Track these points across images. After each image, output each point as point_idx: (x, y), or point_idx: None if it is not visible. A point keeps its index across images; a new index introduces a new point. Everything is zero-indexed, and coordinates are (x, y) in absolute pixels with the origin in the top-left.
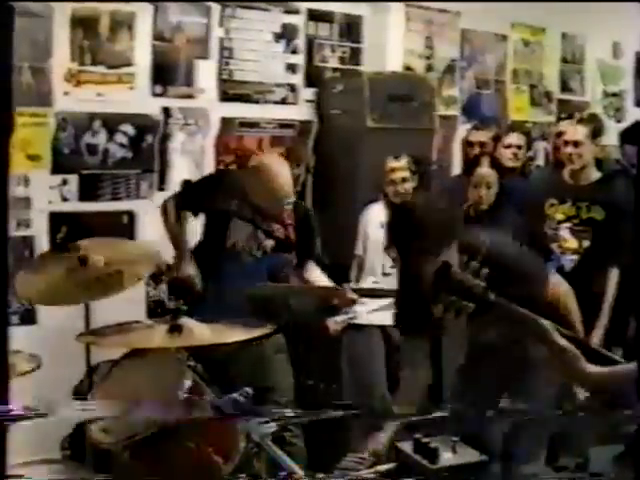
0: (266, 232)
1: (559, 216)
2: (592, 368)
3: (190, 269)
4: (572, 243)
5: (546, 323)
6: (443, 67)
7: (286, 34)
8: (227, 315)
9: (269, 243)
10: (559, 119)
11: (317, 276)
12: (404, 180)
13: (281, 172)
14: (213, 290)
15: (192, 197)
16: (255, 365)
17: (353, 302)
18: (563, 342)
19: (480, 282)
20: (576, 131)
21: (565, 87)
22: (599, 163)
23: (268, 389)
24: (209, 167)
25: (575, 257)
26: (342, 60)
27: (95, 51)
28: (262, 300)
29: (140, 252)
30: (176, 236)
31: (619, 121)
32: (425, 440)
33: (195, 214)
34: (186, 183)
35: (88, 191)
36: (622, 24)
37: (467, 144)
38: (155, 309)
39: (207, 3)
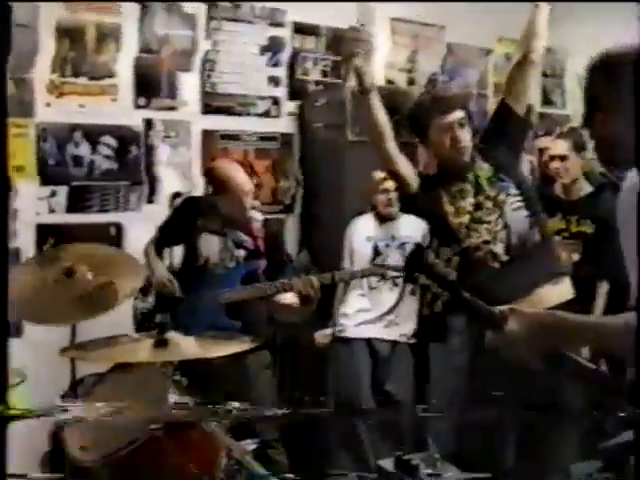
0: (236, 243)
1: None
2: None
3: (167, 273)
4: (562, 256)
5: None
6: (425, 81)
7: (272, 47)
8: (206, 326)
9: (241, 253)
10: (537, 135)
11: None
12: (388, 192)
13: (234, 173)
14: (190, 304)
15: (167, 237)
16: (240, 380)
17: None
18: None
19: (451, 270)
20: (559, 146)
21: (546, 101)
22: (587, 177)
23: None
24: (197, 179)
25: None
26: (324, 73)
27: (78, 62)
28: (242, 308)
29: (129, 262)
30: (156, 267)
31: None
32: (406, 457)
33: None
34: (161, 228)
35: (76, 203)
36: (602, 38)
37: None
38: (143, 322)
39: (194, 16)
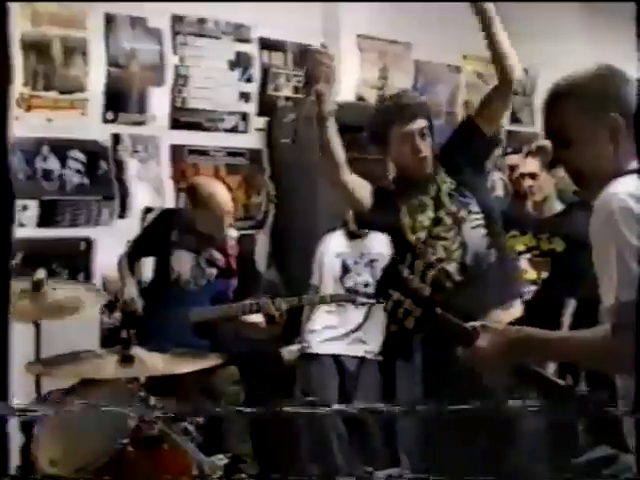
0: (209, 261)
1: (520, 247)
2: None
3: (133, 291)
4: (531, 274)
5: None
6: None
7: (241, 62)
8: (173, 343)
9: (212, 272)
10: (506, 153)
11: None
12: None
13: (217, 191)
14: (160, 320)
15: (141, 250)
16: (208, 396)
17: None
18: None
19: (426, 286)
20: (530, 164)
21: (514, 118)
22: (560, 194)
23: (221, 420)
24: (169, 194)
25: (533, 288)
26: (296, 89)
27: (49, 76)
28: (209, 326)
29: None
30: (126, 279)
31: None
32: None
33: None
34: (133, 242)
35: (47, 217)
36: (572, 57)
37: None
38: (109, 338)
39: (159, 30)
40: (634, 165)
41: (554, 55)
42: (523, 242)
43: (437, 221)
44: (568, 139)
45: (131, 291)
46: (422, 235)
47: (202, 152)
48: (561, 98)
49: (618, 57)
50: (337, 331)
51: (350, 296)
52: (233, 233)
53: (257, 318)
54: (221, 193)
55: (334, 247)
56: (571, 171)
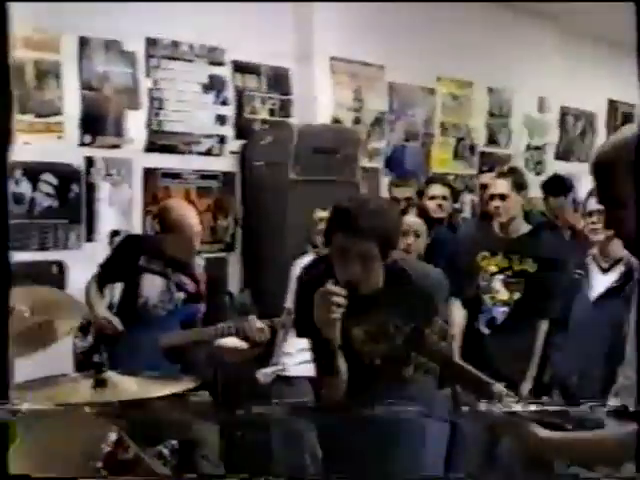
0: (177, 285)
1: (492, 268)
2: (544, 433)
3: (107, 312)
4: (504, 295)
5: (499, 387)
6: (371, 120)
7: (214, 85)
8: (144, 367)
9: (180, 296)
10: (481, 172)
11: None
12: None
13: (186, 214)
14: (129, 345)
15: (109, 276)
16: (181, 419)
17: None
18: (515, 407)
19: (448, 344)
20: (500, 184)
21: (491, 140)
22: (526, 216)
23: (194, 443)
24: (137, 217)
25: (506, 309)
26: (272, 112)
27: (23, 100)
28: (181, 350)
29: (67, 301)
30: (96, 305)
31: (539, 174)
32: None
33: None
34: (102, 265)
35: (15, 240)
36: (548, 79)
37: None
38: (82, 361)
39: (133, 53)
40: None
41: (530, 78)
42: (495, 263)
43: None
44: (623, 200)
45: (103, 313)
46: None
47: (175, 175)
48: (611, 160)
49: (593, 81)
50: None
51: None
52: (200, 261)
53: (236, 342)
54: (190, 216)
55: None
56: (625, 234)
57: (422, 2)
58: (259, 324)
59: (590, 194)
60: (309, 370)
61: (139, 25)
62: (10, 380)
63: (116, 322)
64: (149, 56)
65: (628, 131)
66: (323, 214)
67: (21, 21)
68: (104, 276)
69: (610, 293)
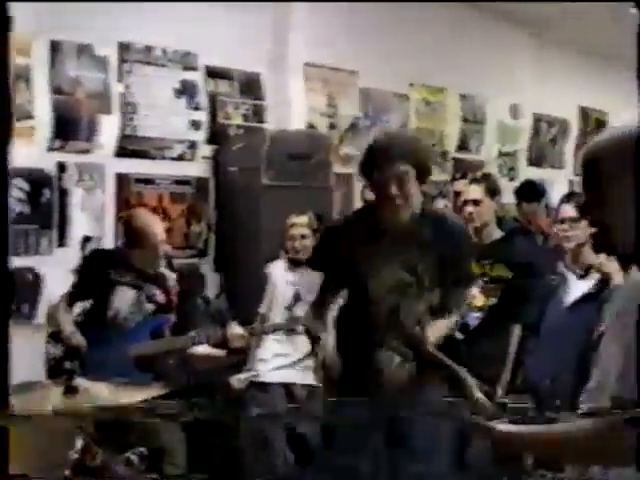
0: (147, 296)
1: None
2: (507, 427)
3: (72, 329)
4: (479, 300)
5: (470, 378)
6: (346, 125)
7: (186, 90)
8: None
9: (150, 307)
10: (454, 178)
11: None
12: (303, 237)
13: (150, 225)
14: (99, 356)
15: (81, 292)
16: (149, 426)
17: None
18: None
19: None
20: (473, 190)
21: (463, 146)
22: (499, 221)
23: (163, 451)
24: (109, 223)
25: (479, 314)
26: (246, 117)
27: None
28: (153, 359)
29: None
30: (63, 322)
31: (511, 179)
32: None
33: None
34: (73, 285)
35: None
36: (521, 86)
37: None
38: (55, 368)
39: (105, 58)
40: None
41: (503, 84)
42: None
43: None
44: (602, 198)
45: (70, 330)
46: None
47: (148, 181)
48: (597, 157)
49: (565, 88)
50: (287, 359)
51: (292, 323)
52: (172, 275)
53: (211, 349)
54: (154, 225)
55: (284, 276)
56: (602, 233)
57: (392, 2)
58: (240, 331)
59: (562, 201)
60: (283, 376)
61: (112, 30)
62: None
63: (79, 340)
64: (122, 61)
65: (616, 130)
66: (296, 219)
67: None
68: (76, 294)
69: (585, 299)
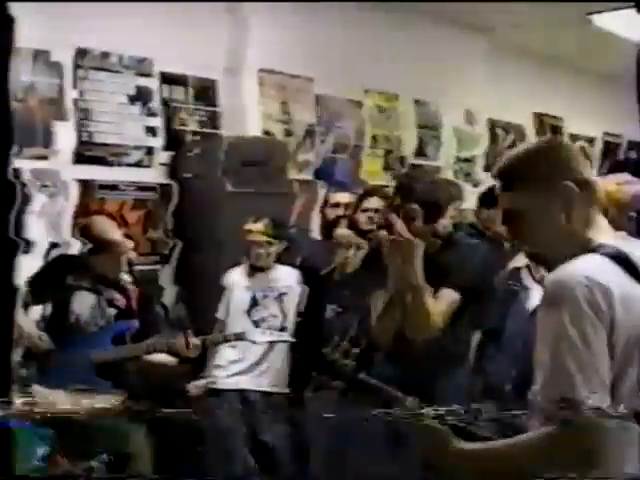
0: (108, 301)
1: None
2: (465, 445)
3: (35, 329)
4: None
5: (410, 400)
6: (302, 132)
7: (141, 97)
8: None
9: (112, 312)
10: None
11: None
12: (260, 244)
13: (110, 231)
14: (61, 363)
15: (37, 294)
16: (113, 433)
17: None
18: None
19: (350, 362)
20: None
21: (420, 152)
22: (455, 227)
23: (127, 457)
24: (66, 230)
25: None
26: (201, 124)
27: None
28: (112, 366)
29: None
30: (22, 322)
31: (474, 185)
32: None
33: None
34: (29, 283)
35: None
36: (473, 91)
37: (327, 207)
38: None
39: (60, 64)
40: (593, 240)
41: (458, 91)
42: None
43: None
44: (521, 212)
45: (33, 330)
46: None
47: (112, 187)
48: (511, 171)
49: (521, 94)
50: (241, 365)
51: (238, 335)
52: (128, 278)
53: (166, 357)
54: (115, 233)
55: (242, 281)
56: (526, 245)
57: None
58: (194, 340)
59: None
60: (238, 383)
61: (68, 35)
62: None
63: (45, 339)
64: (77, 67)
65: (528, 144)
66: (252, 227)
67: None
68: (32, 295)
69: None
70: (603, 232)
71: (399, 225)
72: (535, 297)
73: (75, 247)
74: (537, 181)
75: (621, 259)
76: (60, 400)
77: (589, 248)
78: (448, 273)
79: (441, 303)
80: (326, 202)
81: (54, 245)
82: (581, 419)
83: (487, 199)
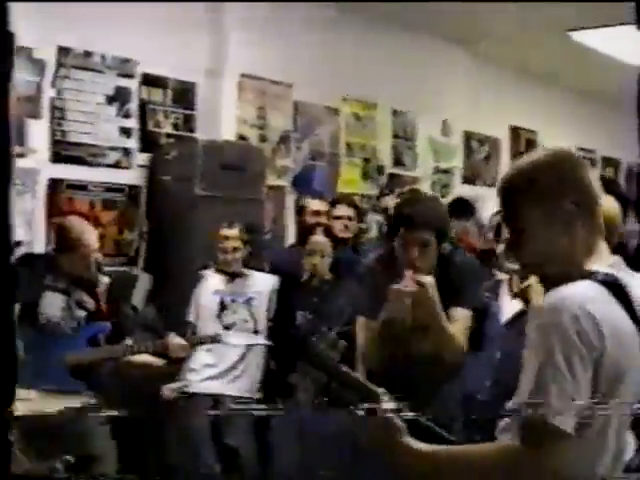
0: (78, 303)
1: None
2: (418, 443)
3: None
4: None
5: (379, 391)
6: (277, 137)
7: (119, 97)
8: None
9: (81, 314)
10: (382, 194)
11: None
12: (235, 249)
13: (82, 231)
14: (32, 365)
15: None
16: (78, 434)
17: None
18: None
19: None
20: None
21: (398, 162)
22: None
23: (92, 458)
24: (40, 228)
25: None
26: (176, 126)
27: None
28: (86, 368)
29: None
30: None
31: (443, 197)
32: None
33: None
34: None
35: None
36: (450, 103)
37: (302, 213)
38: None
39: (42, 61)
40: (595, 263)
41: (434, 102)
42: None
43: None
44: (521, 228)
45: None
46: None
47: (81, 187)
48: (513, 185)
49: (496, 107)
50: (215, 369)
51: (214, 337)
52: (104, 279)
53: (149, 358)
54: (87, 233)
55: (211, 285)
56: (522, 258)
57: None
58: (181, 341)
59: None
60: (211, 387)
61: (51, 33)
62: None
63: (17, 344)
64: (59, 65)
65: (534, 156)
66: (227, 232)
67: None
68: None
69: (520, 316)
70: (603, 257)
71: (428, 281)
72: (508, 309)
73: (40, 244)
74: (538, 198)
75: (617, 290)
76: (27, 402)
77: (587, 273)
78: (458, 291)
79: (458, 324)
80: (303, 209)
81: (17, 243)
82: (547, 436)
83: (455, 209)
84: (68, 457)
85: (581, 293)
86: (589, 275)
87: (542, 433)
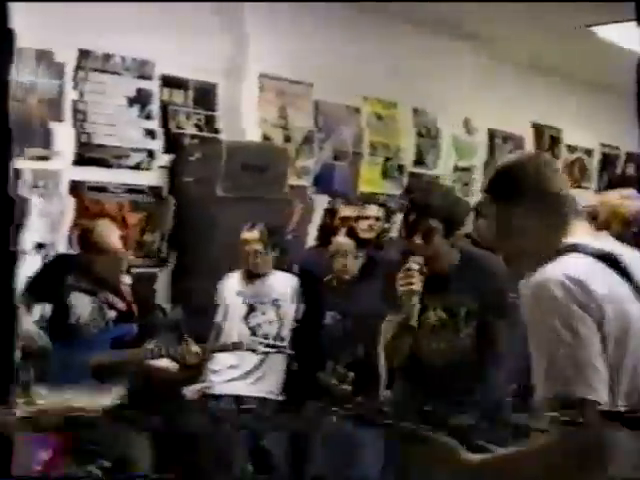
0: (107, 304)
1: None
2: (472, 456)
3: (32, 328)
4: None
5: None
6: (301, 137)
7: (140, 99)
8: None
9: (111, 314)
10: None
11: None
12: (256, 252)
13: (110, 234)
14: (59, 363)
15: (36, 293)
16: (113, 437)
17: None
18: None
19: (346, 387)
20: None
21: (420, 161)
22: None
23: (127, 461)
24: (65, 231)
25: None
26: (199, 127)
27: None
28: (110, 370)
29: None
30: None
31: (466, 195)
32: None
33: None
34: (29, 283)
35: None
36: (474, 101)
37: (329, 215)
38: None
39: (62, 64)
40: (569, 241)
41: (456, 100)
42: None
43: None
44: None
45: (33, 328)
46: None
47: (102, 189)
48: (489, 186)
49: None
50: (238, 371)
51: (237, 345)
52: (127, 279)
53: (168, 363)
54: (114, 238)
55: (236, 287)
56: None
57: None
58: (195, 348)
59: None
60: (235, 388)
61: (70, 36)
62: None
63: (42, 338)
64: (78, 68)
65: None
66: (247, 236)
67: None
68: (31, 293)
69: None
70: (580, 233)
71: None
72: None
73: (65, 247)
74: (512, 193)
75: (601, 255)
76: (58, 401)
77: (565, 249)
78: (500, 303)
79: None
80: (333, 212)
81: (40, 246)
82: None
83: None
84: (104, 461)
85: (561, 263)
86: (568, 249)
87: (575, 411)
